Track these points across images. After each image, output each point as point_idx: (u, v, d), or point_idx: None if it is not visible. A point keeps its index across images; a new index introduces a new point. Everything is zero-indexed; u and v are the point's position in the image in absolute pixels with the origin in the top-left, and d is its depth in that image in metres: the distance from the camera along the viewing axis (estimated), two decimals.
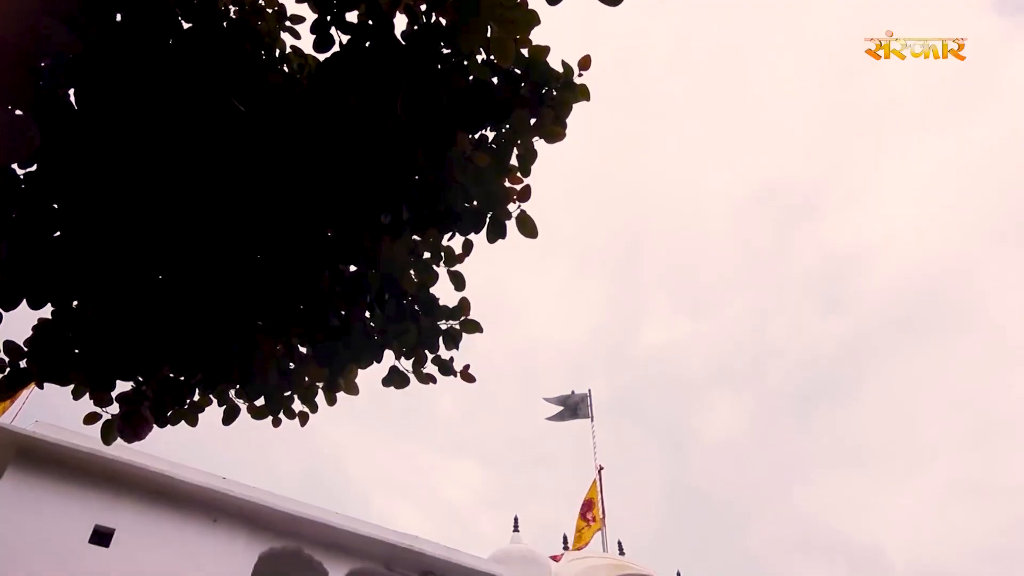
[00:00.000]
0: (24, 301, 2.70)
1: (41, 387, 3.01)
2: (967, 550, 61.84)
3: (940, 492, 66.63)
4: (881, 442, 69.74)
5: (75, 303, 2.90)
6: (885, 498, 66.96)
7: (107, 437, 3.18)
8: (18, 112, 2.40)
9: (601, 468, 23.77)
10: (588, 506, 21.92)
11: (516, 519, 18.59)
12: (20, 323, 3.05)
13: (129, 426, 3.13)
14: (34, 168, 2.62)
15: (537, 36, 2.90)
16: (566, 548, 20.73)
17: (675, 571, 19.29)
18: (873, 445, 69.97)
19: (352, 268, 3.23)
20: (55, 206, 2.67)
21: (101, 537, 12.03)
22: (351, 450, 71.60)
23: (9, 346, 2.89)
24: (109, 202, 2.70)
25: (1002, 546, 60.56)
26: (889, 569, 61.31)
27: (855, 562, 61.99)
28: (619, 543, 21.60)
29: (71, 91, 2.56)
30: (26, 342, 2.90)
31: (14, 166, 2.61)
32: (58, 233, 2.71)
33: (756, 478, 72.78)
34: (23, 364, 2.92)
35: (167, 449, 13.13)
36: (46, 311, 2.89)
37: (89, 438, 11.90)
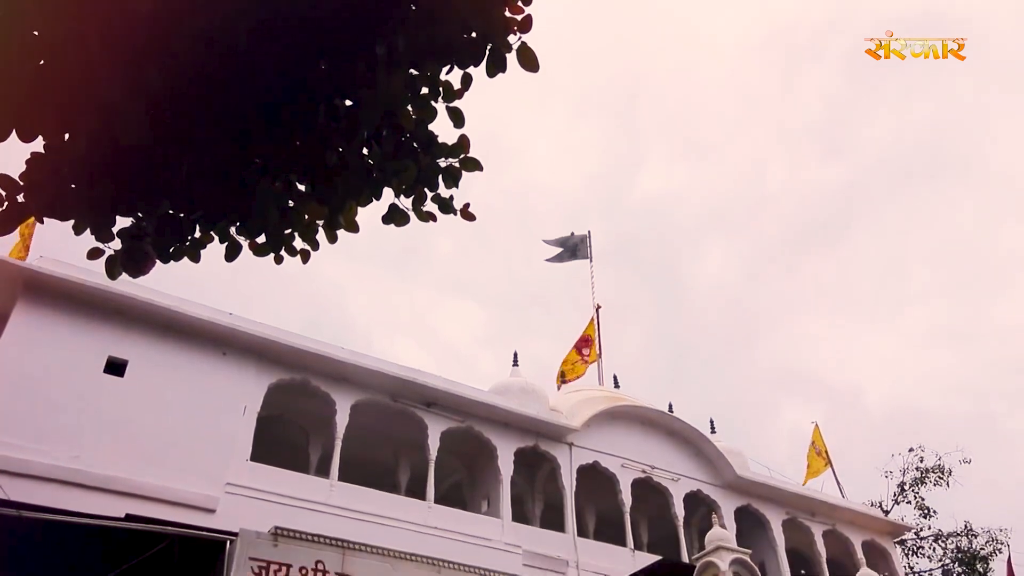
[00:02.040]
0: (13, 132, 2.65)
1: (41, 222, 3.01)
2: (944, 390, 64.42)
3: (922, 336, 68.37)
4: (867, 288, 70.68)
5: (66, 136, 2.84)
6: (867, 342, 68.85)
7: (111, 272, 3.22)
8: None
9: (599, 307, 24.39)
10: (585, 342, 22.63)
11: (515, 354, 19.07)
12: (16, 155, 3.02)
13: (132, 261, 3.17)
14: None
15: None
16: (564, 382, 21.58)
17: (667, 404, 20.21)
18: (859, 290, 70.95)
19: (348, 103, 3.15)
20: (35, 32, 2.56)
21: (115, 367, 12.51)
22: (351, 291, 72.79)
23: (4, 180, 2.85)
24: (96, 32, 2.59)
25: (980, 385, 63.17)
26: (866, 408, 64.31)
27: (834, 402, 64.78)
28: (615, 377, 22.54)
29: None
30: (21, 176, 2.87)
31: None
32: (43, 61, 2.61)
33: (744, 322, 74.45)
34: (20, 199, 2.90)
35: (174, 288, 13.32)
36: (38, 144, 2.84)
37: (95, 273, 12.11)
